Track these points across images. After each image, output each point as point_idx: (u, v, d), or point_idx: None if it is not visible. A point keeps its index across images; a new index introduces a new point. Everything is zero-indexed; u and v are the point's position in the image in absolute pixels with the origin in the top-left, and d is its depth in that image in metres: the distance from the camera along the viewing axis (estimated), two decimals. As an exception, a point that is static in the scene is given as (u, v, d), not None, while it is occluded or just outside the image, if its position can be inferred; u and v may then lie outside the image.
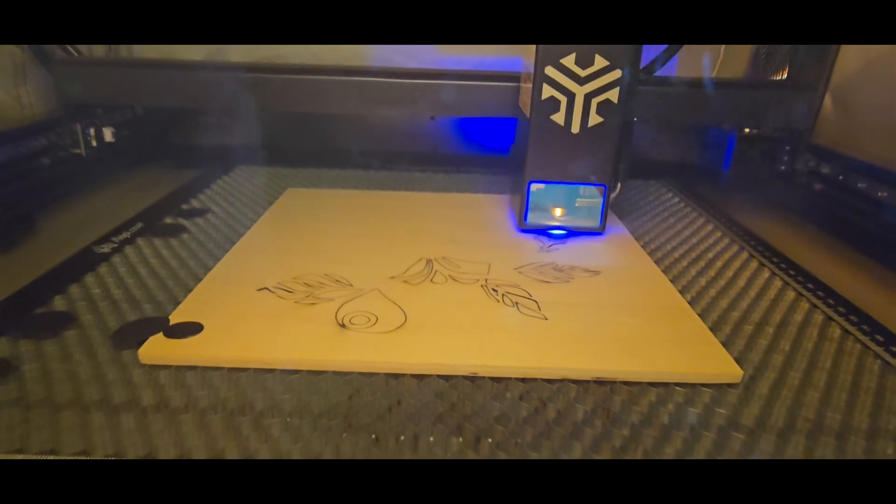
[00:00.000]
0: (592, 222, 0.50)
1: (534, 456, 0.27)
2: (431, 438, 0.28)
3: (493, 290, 0.41)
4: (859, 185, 0.53)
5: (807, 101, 0.63)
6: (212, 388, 0.31)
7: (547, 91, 0.45)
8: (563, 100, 0.45)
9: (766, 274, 0.46)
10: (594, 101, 0.45)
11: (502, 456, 0.27)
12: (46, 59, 0.63)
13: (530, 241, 0.49)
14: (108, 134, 0.68)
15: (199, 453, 0.26)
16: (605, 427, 0.29)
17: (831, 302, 0.42)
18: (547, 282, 0.42)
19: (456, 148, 0.79)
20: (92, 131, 0.67)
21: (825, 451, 0.28)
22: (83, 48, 0.69)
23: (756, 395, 0.31)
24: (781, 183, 0.66)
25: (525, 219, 0.50)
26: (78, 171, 0.63)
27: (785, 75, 0.67)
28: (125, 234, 0.49)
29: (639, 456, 0.27)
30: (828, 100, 0.62)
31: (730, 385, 0.32)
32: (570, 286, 0.42)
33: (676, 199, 0.65)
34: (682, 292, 0.42)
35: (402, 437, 0.28)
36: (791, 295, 0.43)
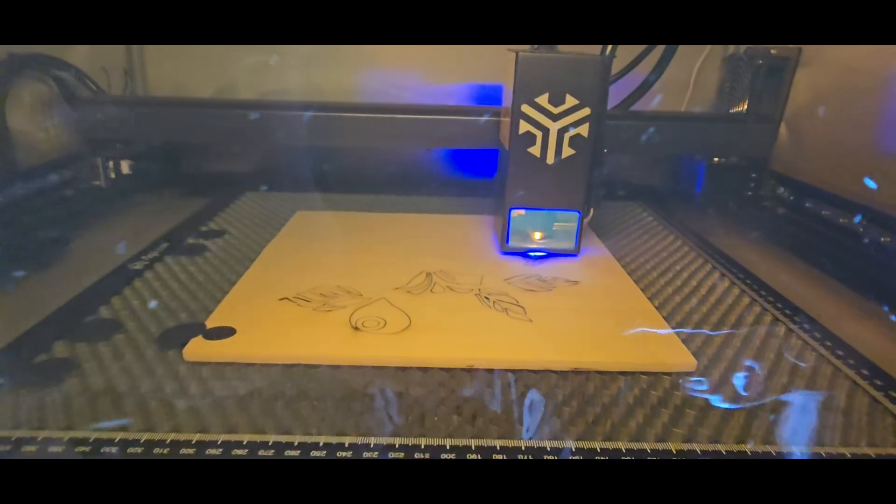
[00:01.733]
0: (568, 244, 0.55)
1: (520, 430, 0.32)
2: (436, 417, 0.33)
3: (486, 298, 0.46)
4: (806, 205, 0.60)
5: (766, 132, 0.71)
6: (248, 379, 0.36)
7: (524, 126, 0.51)
8: (539, 134, 0.51)
9: (726, 283, 0.52)
10: (566, 136, 0.51)
11: (494, 430, 0.32)
12: (72, 97, 0.69)
13: (518, 257, 0.55)
14: (125, 166, 0.74)
15: (243, 430, 0.32)
16: (581, 406, 0.34)
17: (779, 305, 0.48)
18: (532, 290, 0.48)
19: (448, 174, 0.86)
20: (111, 164, 0.73)
21: (761, 424, 0.33)
22: (103, 85, 0.76)
23: (708, 381, 0.37)
24: (747, 206, 0.72)
25: (507, 242, 0.55)
26: (99, 200, 0.69)
27: (745, 108, 0.74)
28: (154, 254, 0.55)
29: (607, 429, 0.33)
30: (783, 130, 0.69)
31: (687, 373, 0.38)
32: (552, 294, 0.47)
33: (651, 220, 0.71)
34: (651, 299, 0.48)
35: (411, 417, 0.33)
36: (746, 300, 0.49)
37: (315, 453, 0.30)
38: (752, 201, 0.72)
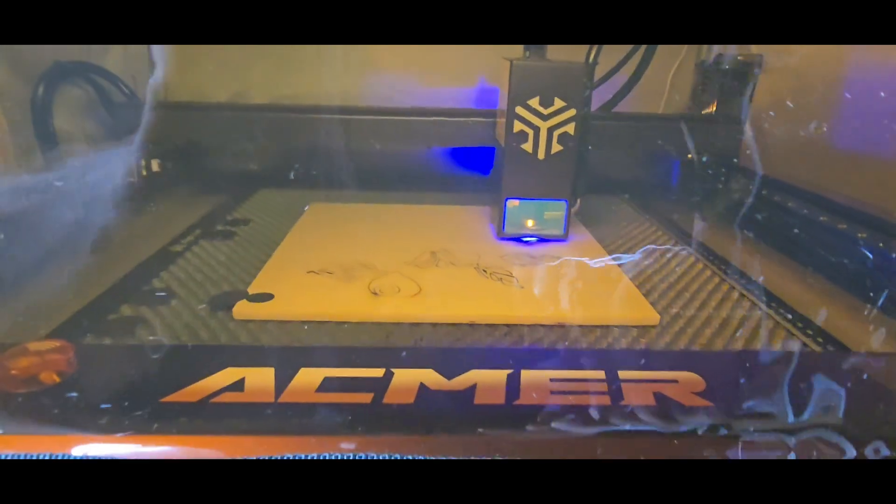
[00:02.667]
0: (558, 231, 0.62)
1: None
2: (445, 358, 0.41)
3: (483, 270, 0.54)
4: (774, 197, 0.68)
5: (733, 131, 0.79)
6: (289, 332, 0.43)
7: (517, 126, 0.58)
8: (531, 132, 0.58)
9: (691, 259, 0.60)
10: (555, 133, 0.58)
11: (494, 366, 0.40)
12: (108, 101, 0.76)
13: (512, 241, 0.63)
14: (154, 165, 0.81)
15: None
16: (565, 348, 0.42)
17: (736, 276, 0.56)
18: (523, 265, 0.56)
19: (447, 170, 0.93)
20: (143, 162, 0.80)
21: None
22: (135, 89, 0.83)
23: (669, 332, 0.45)
24: (717, 198, 0.80)
25: (503, 229, 0.62)
26: (134, 194, 0.75)
27: (714, 109, 0.82)
28: (190, 238, 0.62)
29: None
30: (747, 129, 0.78)
31: (651, 326, 0.46)
32: (540, 267, 0.55)
33: (631, 210, 0.79)
34: (625, 271, 0.56)
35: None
36: (707, 273, 0.57)
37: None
38: (722, 194, 0.80)
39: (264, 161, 0.95)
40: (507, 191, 0.61)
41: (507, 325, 0.45)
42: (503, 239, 0.63)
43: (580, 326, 0.45)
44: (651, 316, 0.46)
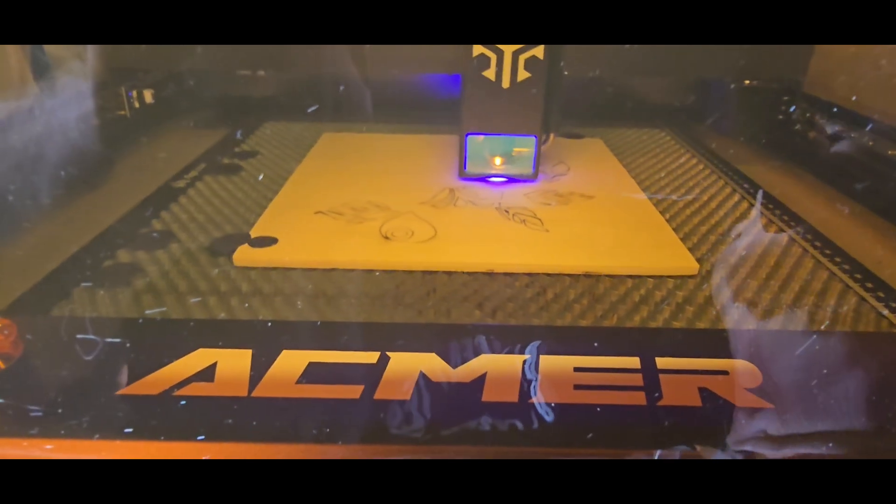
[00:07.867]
0: (527, 170, 0.55)
1: (535, 321, 0.36)
2: (461, 311, 0.37)
3: (506, 211, 0.50)
4: (837, 128, 0.60)
5: (794, 52, 0.69)
6: (292, 281, 0.40)
7: (477, 49, 0.50)
8: (493, 57, 0.50)
9: (736, 198, 0.55)
10: (521, 58, 0.50)
11: (512, 321, 0.36)
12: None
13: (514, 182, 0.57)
14: (148, 96, 0.76)
15: (290, 316, 0.36)
16: (590, 303, 0.38)
17: (785, 218, 0.50)
18: (549, 204, 0.51)
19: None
20: (135, 93, 0.75)
21: (755, 319, 0.37)
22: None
23: (709, 284, 0.41)
24: (778, 130, 0.72)
25: (464, 167, 0.55)
26: (127, 129, 0.71)
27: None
28: (194, 173, 0.59)
29: (614, 322, 0.37)
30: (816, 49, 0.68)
31: (690, 276, 0.41)
32: (568, 207, 0.50)
33: (673, 143, 0.72)
34: (662, 213, 0.51)
35: (439, 311, 0.37)
36: (753, 214, 0.51)
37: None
38: (784, 125, 0.71)
39: (268, 91, 0.88)
40: (467, 125, 0.53)
41: (529, 275, 0.41)
42: (465, 179, 0.56)
43: (610, 277, 0.41)
44: (690, 265, 0.42)
